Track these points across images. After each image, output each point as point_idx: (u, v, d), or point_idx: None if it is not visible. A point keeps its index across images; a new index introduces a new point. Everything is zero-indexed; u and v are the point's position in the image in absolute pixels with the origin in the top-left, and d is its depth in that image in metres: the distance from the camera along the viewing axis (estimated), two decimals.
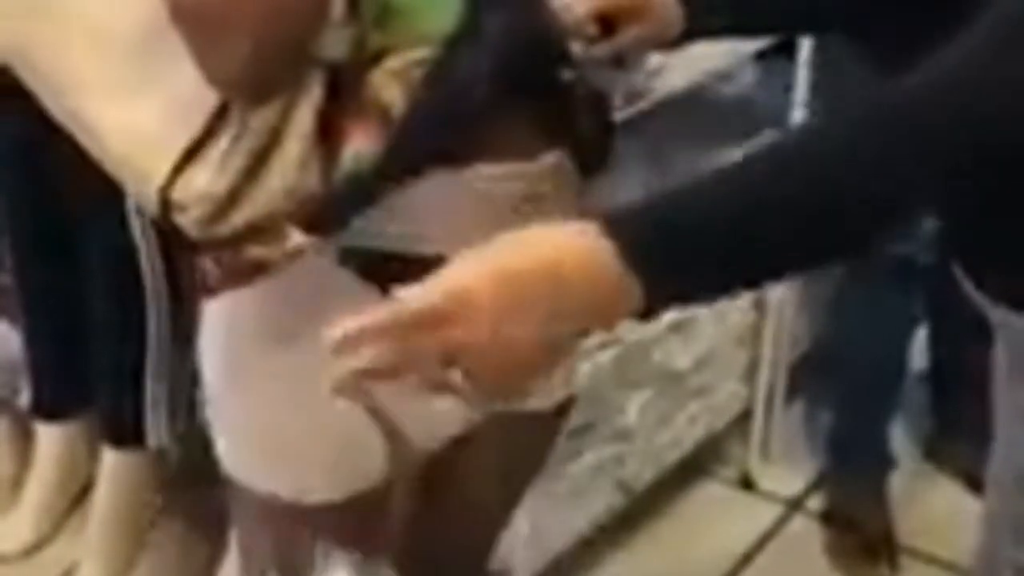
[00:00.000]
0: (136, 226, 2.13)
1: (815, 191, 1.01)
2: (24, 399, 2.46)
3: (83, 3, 1.23)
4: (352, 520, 1.42)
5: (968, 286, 1.50)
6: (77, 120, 1.25)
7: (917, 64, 1.16)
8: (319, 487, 1.38)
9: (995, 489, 1.59)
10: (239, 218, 1.18)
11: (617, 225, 0.96)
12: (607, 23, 1.45)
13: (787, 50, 2.46)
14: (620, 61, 1.51)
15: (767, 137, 2.61)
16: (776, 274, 1.15)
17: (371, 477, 1.40)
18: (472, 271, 0.98)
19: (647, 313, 0.97)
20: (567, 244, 0.97)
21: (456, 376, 0.98)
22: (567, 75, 1.33)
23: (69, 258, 2.27)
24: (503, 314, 0.96)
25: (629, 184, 2.44)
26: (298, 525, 1.41)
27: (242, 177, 1.17)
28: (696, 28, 1.50)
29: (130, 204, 2.11)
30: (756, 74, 2.76)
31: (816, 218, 1.01)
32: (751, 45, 2.36)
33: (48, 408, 2.45)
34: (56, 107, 1.27)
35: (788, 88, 2.51)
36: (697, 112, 2.59)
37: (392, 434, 1.37)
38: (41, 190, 2.25)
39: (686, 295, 1.01)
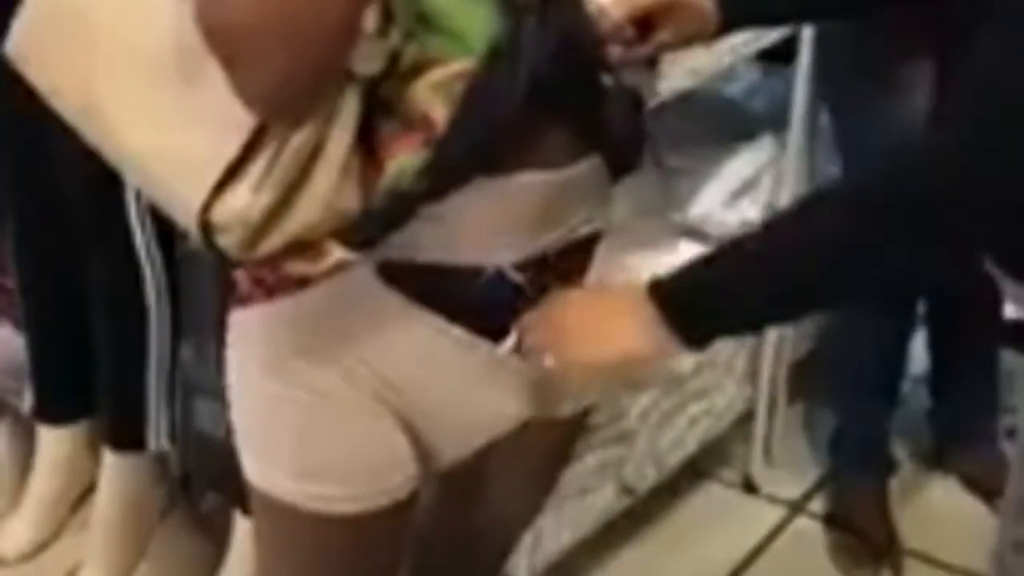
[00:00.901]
0: (137, 230, 2.13)
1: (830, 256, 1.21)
2: (27, 402, 2.46)
3: (114, 29, 1.21)
4: (376, 531, 1.42)
5: (1001, 277, 1.50)
6: (116, 149, 1.23)
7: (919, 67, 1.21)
8: (343, 498, 1.38)
9: (1012, 473, 1.60)
10: (280, 237, 1.17)
11: (657, 285, 1.25)
12: (643, 24, 1.45)
13: (786, 52, 2.46)
14: (652, 62, 1.51)
15: (767, 139, 2.61)
16: (786, 319, 1.48)
17: (397, 487, 1.39)
18: (565, 296, 1.34)
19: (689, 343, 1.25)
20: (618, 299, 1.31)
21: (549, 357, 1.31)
22: (606, 80, 1.33)
23: (72, 262, 2.27)
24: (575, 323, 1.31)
25: (628, 186, 2.44)
26: (320, 536, 1.40)
27: (281, 196, 1.16)
28: (730, 21, 1.51)
29: (132, 210, 2.12)
30: (756, 75, 2.76)
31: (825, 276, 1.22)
32: (751, 46, 2.36)
33: (50, 411, 2.45)
34: (95, 139, 1.25)
35: (788, 89, 2.51)
36: (697, 113, 2.59)
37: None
38: (44, 196, 2.25)
39: (713, 332, 1.26)
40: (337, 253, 1.20)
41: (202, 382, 2.13)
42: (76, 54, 1.22)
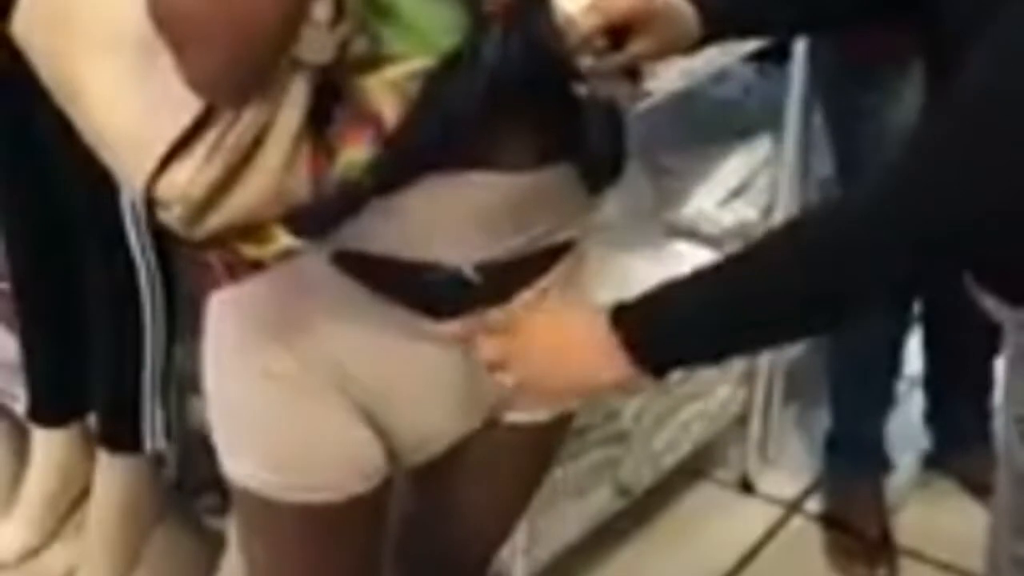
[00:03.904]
0: (132, 231, 2.13)
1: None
2: (21, 404, 2.46)
3: (94, 5, 1.24)
4: (346, 523, 1.42)
5: (977, 292, 1.50)
6: (86, 122, 1.26)
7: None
8: (307, 487, 1.38)
9: (999, 484, 1.60)
10: (221, 217, 1.19)
11: (620, 314, 1.23)
12: (618, 35, 1.43)
13: (781, 52, 2.46)
14: (634, 75, 1.49)
15: (761, 140, 2.62)
16: (756, 348, 1.47)
17: (363, 478, 1.40)
18: (528, 319, 1.32)
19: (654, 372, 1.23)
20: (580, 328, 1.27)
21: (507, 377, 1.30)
22: (579, 90, 1.32)
23: (66, 263, 2.27)
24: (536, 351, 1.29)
25: (622, 187, 2.44)
26: (288, 526, 1.41)
27: (225, 176, 1.18)
28: (713, 32, 1.49)
29: (126, 211, 2.12)
30: (751, 76, 2.76)
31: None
32: (745, 47, 2.36)
33: (45, 413, 2.44)
34: (68, 109, 1.28)
35: (782, 90, 2.51)
36: (691, 113, 2.59)
37: None
38: (39, 197, 2.25)
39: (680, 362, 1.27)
40: (284, 239, 1.21)
41: (197, 381, 2.13)
42: (59, 28, 1.26)
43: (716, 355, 1.30)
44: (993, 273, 1.44)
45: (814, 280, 1.17)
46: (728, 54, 2.32)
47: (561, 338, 1.27)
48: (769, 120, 2.59)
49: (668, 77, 2.18)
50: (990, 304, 1.49)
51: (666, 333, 1.22)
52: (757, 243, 1.24)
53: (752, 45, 2.36)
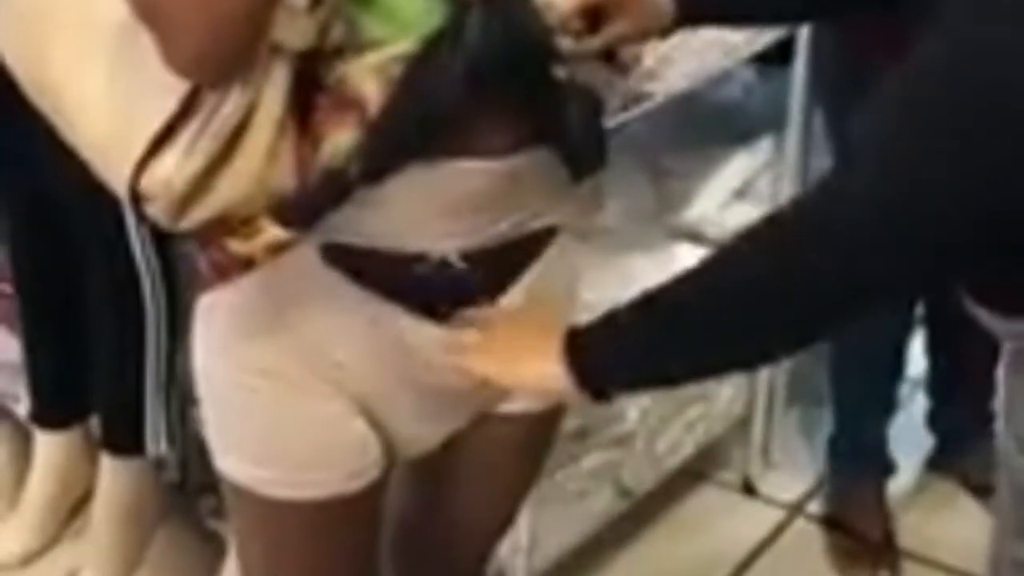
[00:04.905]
0: (133, 232, 2.13)
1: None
2: (24, 407, 2.46)
3: (69, 4, 1.25)
4: (349, 518, 1.42)
5: (974, 307, 1.50)
6: (66, 123, 1.27)
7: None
8: (303, 483, 1.38)
9: (1000, 487, 1.60)
10: (206, 208, 1.19)
11: (571, 337, 1.26)
12: (595, 17, 1.44)
13: (783, 54, 2.46)
14: (619, 65, 1.49)
15: (763, 142, 2.62)
16: (697, 377, 1.36)
17: (358, 473, 1.40)
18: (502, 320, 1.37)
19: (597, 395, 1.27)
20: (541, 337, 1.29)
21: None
22: (558, 73, 1.32)
23: (68, 264, 2.27)
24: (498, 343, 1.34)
25: (624, 189, 2.45)
26: (282, 522, 1.41)
27: (208, 167, 1.18)
28: (686, 15, 1.50)
29: (128, 214, 2.12)
30: (752, 78, 2.77)
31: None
32: (747, 49, 2.36)
33: (48, 416, 2.45)
34: (42, 105, 1.28)
35: (784, 92, 2.51)
36: (693, 116, 2.59)
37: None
38: (40, 199, 2.25)
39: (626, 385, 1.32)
40: (271, 231, 1.21)
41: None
42: (33, 27, 1.26)
43: (666, 380, 1.34)
44: (987, 286, 1.43)
45: (779, 289, 1.16)
46: (730, 56, 2.33)
47: (526, 340, 1.30)
48: (771, 122, 2.59)
49: (670, 79, 2.18)
50: (987, 320, 1.49)
51: (604, 363, 1.25)
52: (709, 258, 1.23)
53: (754, 47, 2.36)
